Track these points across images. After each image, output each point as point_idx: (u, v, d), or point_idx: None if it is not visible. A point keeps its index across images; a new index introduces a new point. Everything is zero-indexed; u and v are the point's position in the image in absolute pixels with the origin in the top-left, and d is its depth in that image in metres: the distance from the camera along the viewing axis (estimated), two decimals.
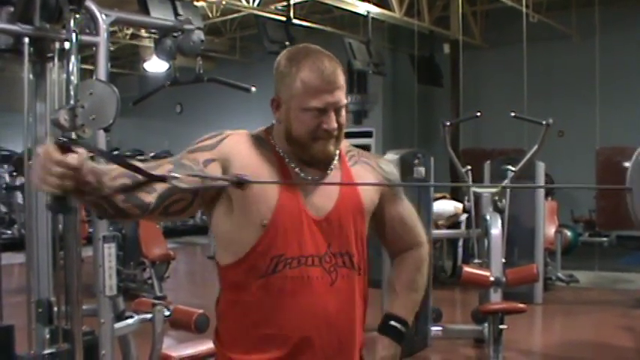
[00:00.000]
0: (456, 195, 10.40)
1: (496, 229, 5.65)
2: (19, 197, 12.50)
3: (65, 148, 1.49)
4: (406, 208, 2.11)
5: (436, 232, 7.13)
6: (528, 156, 6.24)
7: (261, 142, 1.89)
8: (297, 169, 1.87)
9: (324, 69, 1.81)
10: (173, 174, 1.66)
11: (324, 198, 1.88)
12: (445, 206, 8.63)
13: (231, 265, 1.85)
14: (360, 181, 1.96)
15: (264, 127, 1.95)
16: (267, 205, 1.80)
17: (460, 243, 9.15)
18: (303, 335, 1.83)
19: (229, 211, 1.81)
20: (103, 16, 3.47)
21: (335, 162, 1.92)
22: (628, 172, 4.14)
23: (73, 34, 3.12)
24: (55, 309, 3.38)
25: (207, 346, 4.22)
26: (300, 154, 1.87)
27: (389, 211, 2.05)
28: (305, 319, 1.83)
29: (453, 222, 8.78)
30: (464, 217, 8.85)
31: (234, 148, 1.84)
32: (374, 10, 11.90)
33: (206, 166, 1.78)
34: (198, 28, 4.53)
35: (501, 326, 5.01)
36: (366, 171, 1.99)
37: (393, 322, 2.05)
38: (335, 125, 1.83)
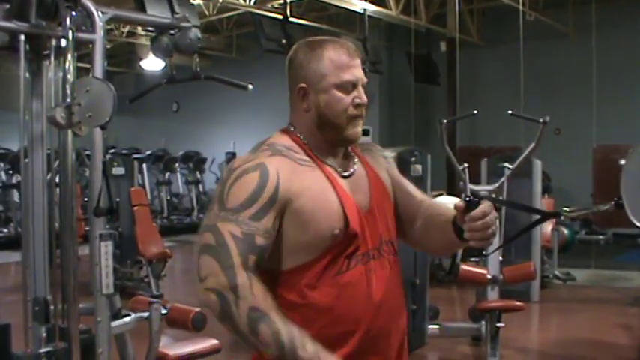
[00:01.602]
0: (453, 192, 10.40)
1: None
2: (15, 195, 12.49)
3: (473, 204, 1.73)
4: (407, 181, 2.16)
5: None
6: (525, 154, 6.23)
7: (292, 150, 1.84)
8: (333, 164, 1.87)
9: (347, 46, 1.88)
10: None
11: (362, 190, 1.90)
12: (446, 201, 8.64)
13: (299, 268, 1.79)
14: (375, 165, 2.00)
15: (278, 133, 1.90)
16: (334, 211, 1.79)
17: None
18: (375, 327, 1.84)
19: (292, 223, 1.77)
20: (100, 14, 3.46)
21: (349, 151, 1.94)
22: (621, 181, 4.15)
23: (70, 32, 3.11)
24: (52, 307, 3.37)
25: (203, 344, 4.23)
26: (332, 140, 1.87)
27: (400, 188, 2.09)
28: (375, 312, 1.84)
29: None
30: None
31: (283, 180, 1.76)
32: (371, 8, 11.91)
33: (259, 221, 1.72)
34: (195, 26, 4.53)
35: (498, 324, 5.02)
36: (373, 157, 2.04)
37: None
38: (366, 98, 1.87)
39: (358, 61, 1.87)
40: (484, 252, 1.68)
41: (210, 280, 1.67)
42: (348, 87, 1.83)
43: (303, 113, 1.87)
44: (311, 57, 1.85)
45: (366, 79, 1.87)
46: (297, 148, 1.85)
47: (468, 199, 1.75)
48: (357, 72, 1.85)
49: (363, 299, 1.82)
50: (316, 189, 1.79)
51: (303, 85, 1.85)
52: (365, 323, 1.82)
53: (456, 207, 1.82)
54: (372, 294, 1.83)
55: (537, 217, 2.07)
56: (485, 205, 1.75)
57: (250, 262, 1.69)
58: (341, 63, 1.84)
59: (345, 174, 1.89)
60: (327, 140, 1.87)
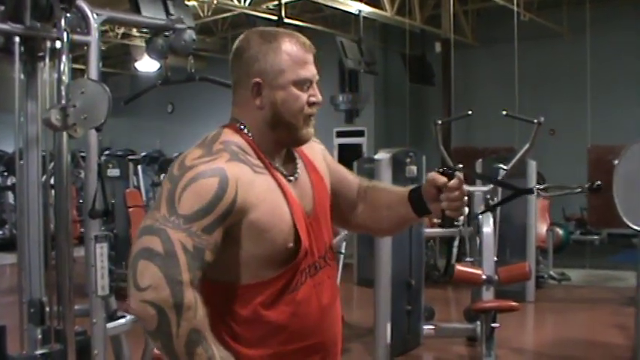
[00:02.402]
0: None
1: (488, 228, 5.66)
2: (10, 197, 12.45)
3: (450, 175, 1.79)
4: (340, 166, 2.12)
5: (429, 230, 7.13)
6: (520, 154, 6.25)
7: (246, 152, 1.73)
8: (281, 169, 1.79)
9: (303, 40, 1.79)
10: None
11: (307, 195, 1.84)
12: None
13: (257, 285, 1.72)
14: (313, 162, 1.92)
15: (227, 129, 1.79)
16: (287, 225, 1.71)
17: (456, 243, 9.18)
18: (326, 337, 1.84)
19: (244, 238, 1.68)
20: (95, 15, 3.46)
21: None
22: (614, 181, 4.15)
23: (65, 33, 3.11)
24: (47, 309, 3.36)
25: None
26: (284, 140, 1.79)
27: (337, 176, 2.05)
28: (326, 323, 1.83)
29: None
30: None
31: (240, 191, 1.65)
32: (365, 9, 11.91)
33: (211, 235, 1.62)
34: (190, 28, 4.53)
35: (494, 324, 5.02)
36: (309, 145, 1.91)
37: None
38: (320, 97, 1.80)
39: (312, 57, 1.78)
40: (456, 222, 1.73)
41: (151, 292, 1.53)
42: (305, 84, 1.76)
43: (254, 110, 1.76)
44: (267, 49, 1.74)
45: (318, 77, 1.80)
46: (249, 148, 1.74)
47: (443, 169, 1.81)
48: (312, 68, 1.78)
49: (315, 313, 1.79)
50: (271, 201, 1.70)
51: (258, 80, 1.74)
52: (317, 336, 1.80)
53: (432, 180, 1.84)
54: (321, 306, 1.81)
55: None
56: (460, 176, 1.80)
57: (197, 279, 1.58)
58: (298, 58, 1.75)
59: (291, 178, 1.80)
60: (277, 140, 1.78)
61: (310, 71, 1.77)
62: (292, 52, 1.74)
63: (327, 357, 1.84)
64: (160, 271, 1.54)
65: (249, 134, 1.77)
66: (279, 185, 1.74)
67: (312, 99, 1.77)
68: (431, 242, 9.31)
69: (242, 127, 1.78)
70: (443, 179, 1.82)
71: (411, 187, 1.98)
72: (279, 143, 1.80)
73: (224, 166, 1.64)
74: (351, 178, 2.09)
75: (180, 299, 1.54)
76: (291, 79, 1.74)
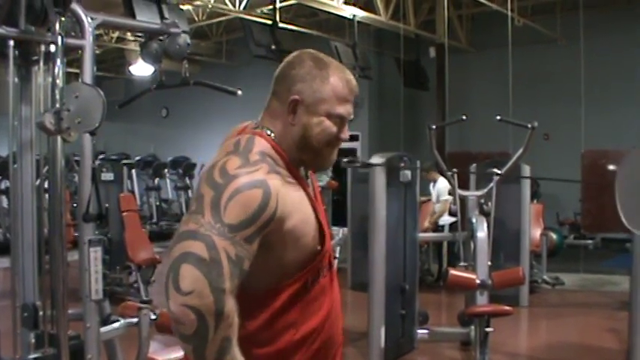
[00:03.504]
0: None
1: (482, 232, 5.67)
2: (3, 201, 12.43)
3: None
4: None
5: (422, 235, 7.14)
6: (514, 159, 6.27)
7: (277, 163, 1.80)
8: (305, 181, 1.89)
9: (350, 79, 1.86)
10: None
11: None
12: (446, 184, 8.61)
13: (277, 289, 1.79)
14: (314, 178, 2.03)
15: (257, 137, 1.82)
16: (315, 228, 1.82)
17: (445, 247, 9.23)
18: (330, 337, 1.92)
19: (277, 244, 1.75)
20: (89, 19, 3.45)
21: None
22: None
23: (59, 37, 3.11)
24: (41, 313, 3.36)
25: None
26: (308, 162, 1.88)
27: None
28: (332, 318, 1.93)
29: (445, 209, 8.78)
30: (448, 220, 8.89)
31: (280, 203, 1.71)
32: (360, 13, 11.93)
33: (251, 245, 1.67)
34: (184, 32, 4.53)
35: (487, 329, 5.03)
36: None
37: None
38: (348, 136, 1.89)
39: (353, 98, 1.86)
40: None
41: (194, 298, 1.56)
42: (338, 119, 1.84)
43: (287, 124, 1.83)
44: (316, 75, 1.81)
45: (352, 117, 1.88)
46: (280, 160, 1.81)
47: None
48: (350, 108, 1.86)
49: (324, 310, 1.88)
50: (304, 210, 1.79)
51: (297, 97, 1.80)
52: (327, 331, 1.89)
53: None
54: (329, 304, 1.90)
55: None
56: None
57: (235, 287, 1.63)
58: (341, 94, 1.83)
59: (310, 190, 1.90)
60: (301, 159, 1.86)
61: (347, 110, 1.86)
62: (337, 87, 1.82)
63: (336, 351, 1.96)
64: (205, 277, 1.57)
65: (281, 145, 1.84)
66: (307, 194, 1.83)
67: (342, 135, 1.87)
68: (425, 247, 9.34)
69: (271, 134, 1.85)
70: None
71: None
72: (301, 161, 1.88)
73: (265, 178, 1.70)
74: None
75: (222, 307, 1.58)
76: (327, 111, 1.82)
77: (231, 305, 1.60)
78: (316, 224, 1.82)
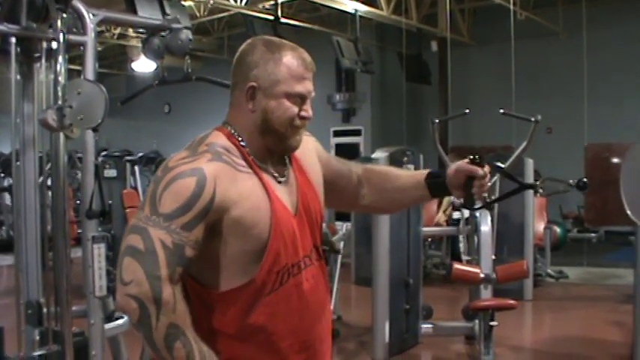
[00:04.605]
0: None
1: (486, 226, 5.66)
2: (7, 198, 12.43)
3: (479, 164, 2.02)
4: (334, 158, 2.21)
5: (426, 229, 7.13)
6: (517, 153, 6.23)
7: (231, 152, 1.79)
8: (270, 170, 1.85)
9: (305, 57, 1.84)
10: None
11: (291, 191, 1.89)
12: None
13: (236, 290, 1.76)
14: (305, 158, 1.99)
15: (216, 131, 1.85)
16: (265, 221, 1.76)
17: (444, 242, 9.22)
18: (309, 337, 1.88)
19: (228, 235, 1.74)
20: (91, 15, 3.45)
21: None
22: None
23: (61, 34, 3.10)
24: (45, 310, 3.36)
25: None
26: (273, 147, 1.84)
27: (332, 169, 2.13)
28: (309, 323, 1.87)
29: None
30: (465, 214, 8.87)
31: (220, 188, 1.70)
32: (362, 8, 11.91)
33: (191, 231, 1.67)
34: (186, 28, 4.52)
35: (492, 323, 5.02)
36: (305, 144, 1.97)
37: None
38: (311, 113, 1.85)
39: (311, 75, 1.85)
40: (475, 205, 1.86)
41: (133, 287, 1.62)
42: (297, 99, 1.81)
43: (247, 113, 1.82)
44: (268, 59, 1.80)
45: (314, 94, 1.87)
46: (235, 149, 1.80)
47: (473, 159, 2.04)
48: (308, 85, 1.84)
49: (296, 312, 1.83)
50: (254, 199, 1.76)
51: (254, 84, 1.80)
52: (300, 334, 1.85)
53: (466, 169, 2.04)
54: (303, 305, 1.85)
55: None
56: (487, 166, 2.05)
57: (176, 274, 1.65)
58: (296, 73, 1.81)
59: (281, 180, 1.87)
60: (266, 146, 1.84)
61: (305, 87, 1.83)
62: (292, 66, 1.81)
63: (313, 356, 1.89)
64: (141, 267, 1.63)
65: (239, 137, 1.83)
66: (264, 186, 1.79)
67: (303, 113, 1.83)
68: (429, 241, 9.33)
69: (232, 130, 1.84)
70: (478, 169, 2.03)
71: (424, 171, 2.16)
72: (268, 149, 1.85)
73: (203, 166, 1.70)
74: (344, 166, 2.19)
75: (159, 294, 1.62)
76: (285, 91, 1.80)
77: (169, 291, 1.63)
78: (269, 217, 1.76)
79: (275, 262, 1.78)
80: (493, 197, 5.99)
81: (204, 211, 1.67)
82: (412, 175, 2.20)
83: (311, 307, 1.87)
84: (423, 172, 2.14)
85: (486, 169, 2.05)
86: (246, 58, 1.83)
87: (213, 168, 1.71)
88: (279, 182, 1.86)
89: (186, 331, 1.65)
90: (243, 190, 1.74)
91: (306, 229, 1.89)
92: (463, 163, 2.04)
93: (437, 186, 2.10)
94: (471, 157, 2.05)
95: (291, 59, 1.81)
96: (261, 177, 1.80)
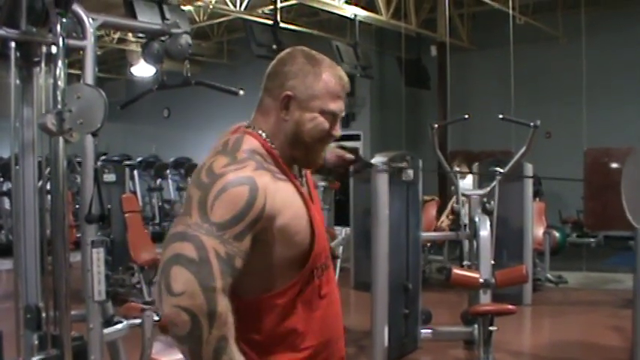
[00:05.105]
0: (445, 197, 10.44)
1: (485, 231, 5.67)
2: (6, 203, 12.43)
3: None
4: None
5: (425, 234, 7.13)
6: (516, 157, 6.25)
7: (266, 159, 1.79)
8: (298, 178, 1.88)
9: (342, 75, 1.87)
10: None
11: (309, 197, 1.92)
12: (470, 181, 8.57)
13: (275, 296, 1.77)
14: (309, 175, 2.04)
15: (247, 136, 1.82)
16: (306, 228, 1.78)
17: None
18: (331, 335, 1.91)
19: (272, 244, 1.73)
20: (90, 20, 3.45)
21: None
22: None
23: (60, 38, 3.10)
24: (44, 315, 3.35)
25: None
26: (299, 157, 1.87)
27: None
28: (329, 320, 1.91)
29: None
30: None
31: (268, 198, 1.69)
32: (361, 13, 11.93)
33: (241, 242, 1.66)
34: (186, 32, 4.52)
35: (491, 327, 5.03)
36: None
37: None
38: (340, 133, 1.88)
39: (345, 94, 1.87)
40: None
41: (186, 298, 1.57)
42: (330, 116, 1.83)
43: (279, 121, 1.82)
44: (308, 72, 1.81)
45: (344, 114, 1.89)
46: (269, 157, 1.80)
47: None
48: (342, 105, 1.86)
49: (319, 313, 1.86)
50: (295, 206, 1.77)
51: (290, 93, 1.80)
52: (323, 334, 1.87)
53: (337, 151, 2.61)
54: (324, 306, 1.87)
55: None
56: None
57: (228, 286, 1.63)
58: (333, 91, 1.83)
59: (303, 185, 1.90)
60: (293, 156, 1.85)
61: (339, 107, 1.85)
62: (330, 84, 1.82)
63: (332, 355, 1.91)
64: (195, 277, 1.58)
65: (272, 144, 1.83)
66: (298, 191, 1.81)
67: (333, 132, 1.86)
68: (429, 246, 9.32)
69: (262, 133, 1.84)
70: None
71: None
72: (293, 158, 1.87)
73: (252, 175, 1.69)
74: None
75: (214, 307, 1.58)
76: (320, 107, 1.81)
77: (223, 304, 1.60)
78: (308, 221, 1.79)
79: (312, 265, 1.81)
80: (489, 205, 6.01)
81: (254, 221, 1.66)
82: None
83: (330, 307, 1.90)
84: None
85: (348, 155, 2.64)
86: (285, 67, 1.83)
87: (261, 177, 1.70)
88: (302, 186, 1.89)
89: (232, 344, 1.63)
90: (286, 199, 1.74)
91: (324, 235, 1.91)
92: (336, 149, 2.62)
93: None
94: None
95: (330, 76, 1.83)
96: (295, 183, 1.82)
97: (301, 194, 1.80)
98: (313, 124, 1.81)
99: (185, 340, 1.59)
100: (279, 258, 1.74)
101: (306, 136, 1.82)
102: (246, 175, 1.68)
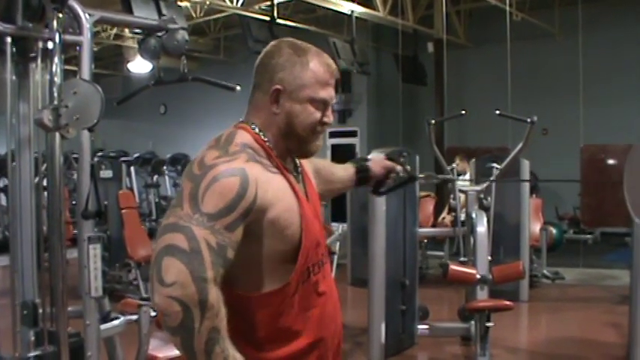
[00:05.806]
0: (442, 193, 10.44)
1: (482, 227, 5.66)
2: (2, 199, 12.41)
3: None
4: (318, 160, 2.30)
5: (422, 230, 7.13)
6: (513, 154, 6.25)
7: (259, 153, 1.79)
8: (292, 172, 1.88)
9: (330, 63, 1.87)
10: None
11: (304, 191, 1.91)
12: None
13: (272, 293, 1.77)
14: (306, 167, 2.05)
15: (241, 130, 1.83)
16: (296, 222, 1.78)
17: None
18: (328, 333, 1.90)
19: (263, 236, 1.73)
20: (87, 15, 3.44)
21: None
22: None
23: (57, 34, 3.10)
24: (40, 311, 3.35)
25: None
26: (294, 149, 1.87)
27: (320, 173, 2.26)
28: (327, 317, 1.90)
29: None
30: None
31: (260, 190, 1.69)
32: (358, 9, 11.91)
33: (233, 232, 1.66)
34: (182, 28, 4.52)
35: (488, 324, 5.03)
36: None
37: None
38: (332, 119, 1.89)
39: (334, 81, 1.87)
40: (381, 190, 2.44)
41: (177, 288, 1.56)
42: (321, 104, 1.84)
43: (270, 114, 1.83)
44: (295, 62, 1.81)
45: (335, 100, 1.90)
46: (262, 150, 1.81)
47: (389, 156, 2.70)
48: (332, 92, 1.86)
49: (316, 310, 1.86)
50: (287, 200, 1.77)
51: (279, 87, 1.80)
52: (321, 331, 1.87)
53: (385, 164, 2.58)
54: (320, 303, 1.87)
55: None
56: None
57: (219, 276, 1.62)
58: (322, 79, 1.83)
59: (298, 179, 1.90)
60: (287, 148, 1.86)
61: (329, 93, 1.85)
62: (317, 72, 1.82)
63: (327, 352, 1.91)
64: (186, 268, 1.58)
65: (265, 138, 1.83)
66: (290, 184, 1.81)
67: (325, 119, 1.86)
68: (426, 242, 9.33)
69: (256, 128, 1.84)
70: (396, 165, 2.62)
71: (351, 166, 2.53)
72: (288, 150, 1.87)
73: (244, 166, 1.70)
74: (324, 166, 2.38)
75: (205, 297, 1.58)
76: (310, 96, 1.82)
77: (214, 295, 1.59)
78: (299, 216, 1.78)
79: (305, 262, 1.80)
80: (486, 202, 6.01)
81: (246, 212, 1.66)
82: (345, 168, 2.50)
83: (329, 304, 1.90)
84: (352, 167, 2.51)
85: (399, 168, 2.62)
86: (272, 61, 1.83)
87: (253, 169, 1.71)
88: (298, 182, 1.88)
89: (225, 336, 1.62)
90: (278, 192, 1.75)
91: (321, 230, 1.91)
92: (385, 161, 2.59)
93: (362, 180, 2.52)
94: (389, 155, 2.67)
95: (318, 65, 1.83)
96: (288, 177, 1.82)
97: (294, 189, 1.81)
98: (305, 115, 1.82)
99: (177, 331, 1.59)
100: (271, 251, 1.74)
101: (299, 128, 1.82)
102: (238, 167, 1.69)
